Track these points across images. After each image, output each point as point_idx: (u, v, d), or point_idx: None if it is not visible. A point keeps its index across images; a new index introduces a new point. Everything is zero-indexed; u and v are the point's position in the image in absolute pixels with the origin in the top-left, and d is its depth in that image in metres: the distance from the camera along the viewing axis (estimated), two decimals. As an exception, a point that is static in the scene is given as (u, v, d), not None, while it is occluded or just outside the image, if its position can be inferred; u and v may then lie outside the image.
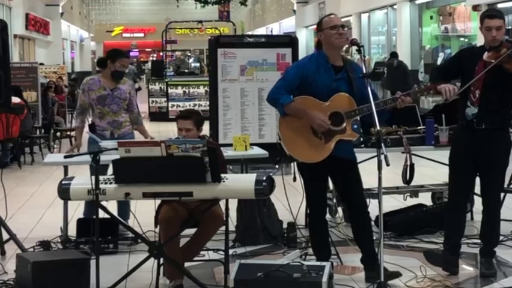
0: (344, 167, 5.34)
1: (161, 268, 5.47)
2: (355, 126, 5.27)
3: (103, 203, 5.21)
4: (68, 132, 14.55)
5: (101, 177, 5.06)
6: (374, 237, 5.50)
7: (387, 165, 4.74)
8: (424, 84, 5.45)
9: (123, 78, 7.09)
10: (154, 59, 40.62)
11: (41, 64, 24.84)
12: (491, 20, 5.51)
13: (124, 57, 7.10)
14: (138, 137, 7.32)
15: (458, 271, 5.69)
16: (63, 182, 5.22)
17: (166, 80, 21.43)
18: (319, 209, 5.57)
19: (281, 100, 5.32)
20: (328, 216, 7.37)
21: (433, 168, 8.52)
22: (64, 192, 5.18)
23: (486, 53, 5.55)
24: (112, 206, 6.37)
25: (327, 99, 5.27)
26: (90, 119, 7.18)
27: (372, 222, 5.95)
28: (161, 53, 29.79)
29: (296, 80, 5.37)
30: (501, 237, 6.11)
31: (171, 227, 5.30)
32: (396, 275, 5.36)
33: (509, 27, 17.37)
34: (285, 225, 6.75)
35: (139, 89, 23.41)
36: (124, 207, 6.78)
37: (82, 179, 5.26)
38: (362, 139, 6.26)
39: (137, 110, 7.26)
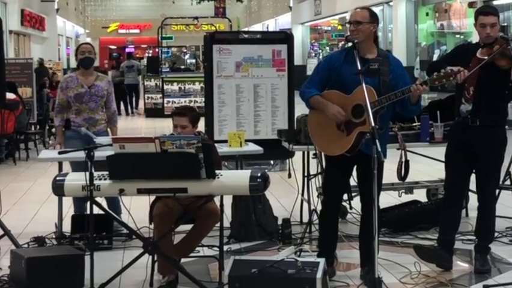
0: (368, 164, 5.17)
1: (156, 264, 5.46)
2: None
3: (97, 199, 5.20)
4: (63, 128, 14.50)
5: (95, 173, 5.05)
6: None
7: (380, 160, 4.72)
8: (444, 71, 5.24)
9: (91, 68, 7.05)
10: (150, 55, 40.56)
11: (41, 59, 24.83)
12: (485, 17, 5.51)
13: (82, 44, 7.15)
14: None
15: (452, 266, 5.69)
16: (57, 178, 5.21)
17: (162, 76, 21.41)
18: (333, 203, 5.57)
19: (305, 94, 5.41)
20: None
21: (428, 165, 8.53)
22: (58, 188, 5.17)
23: (480, 49, 5.55)
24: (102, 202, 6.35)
25: (352, 91, 5.26)
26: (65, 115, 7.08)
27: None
28: (157, 49, 29.76)
29: (325, 72, 5.42)
30: (496, 234, 6.12)
31: (165, 223, 5.29)
32: None
33: (505, 24, 17.42)
34: (280, 222, 6.75)
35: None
36: (113, 202, 6.74)
37: (76, 175, 5.25)
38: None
39: (114, 108, 7.20)
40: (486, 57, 5.42)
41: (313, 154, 6.70)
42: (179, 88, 20.26)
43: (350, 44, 5.36)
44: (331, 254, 5.56)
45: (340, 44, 31.35)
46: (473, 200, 6.43)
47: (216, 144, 6.39)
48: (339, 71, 5.34)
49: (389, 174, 6.82)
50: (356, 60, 5.19)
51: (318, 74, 5.46)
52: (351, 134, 5.25)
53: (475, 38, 9.67)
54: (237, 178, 5.11)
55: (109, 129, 7.16)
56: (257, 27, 43.42)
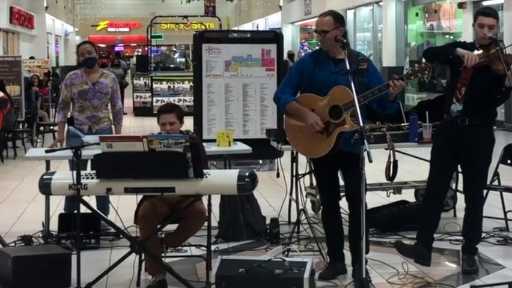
0: (350, 162, 5.22)
1: (143, 263, 5.44)
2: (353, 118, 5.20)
3: (85, 198, 5.17)
4: (52, 127, 14.47)
5: (82, 172, 5.02)
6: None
7: (370, 161, 4.72)
8: (418, 66, 5.23)
9: (96, 66, 7.05)
10: (139, 53, 40.47)
11: (32, 58, 24.77)
12: (485, 17, 5.50)
13: (82, 45, 7.13)
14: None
15: (430, 263, 5.64)
16: (44, 177, 5.18)
17: (151, 75, 21.36)
18: (329, 200, 5.58)
19: (281, 100, 5.41)
20: (311, 212, 7.41)
21: (416, 165, 8.54)
22: (45, 187, 5.13)
23: (476, 51, 5.54)
24: (91, 201, 6.32)
25: (327, 93, 5.26)
26: (69, 113, 7.11)
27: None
28: (146, 48, 29.70)
29: (297, 76, 5.41)
30: (483, 234, 6.13)
31: (149, 224, 5.26)
32: None
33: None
34: (268, 221, 6.74)
35: (126, 84, 23.26)
36: (103, 201, 6.73)
37: (63, 173, 5.22)
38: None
39: (119, 106, 7.19)
40: (482, 60, 5.41)
41: (293, 158, 6.71)
42: (169, 87, 20.23)
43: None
44: (340, 251, 5.58)
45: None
46: (461, 201, 6.43)
47: (204, 144, 6.37)
48: (311, 74, 5.35)
49: (378, 174, 6.84)
50: (328, 61, 5.29)
51: (291, 78, 5.46)
52: (332, 135, 5.25)
53: (464, 39, 9.66)
54: (225, 177, 5.09)
55: (113, 127, 7.15)
56: (247, 26, 43.39)
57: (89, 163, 6.18)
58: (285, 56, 23.44)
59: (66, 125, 7.07)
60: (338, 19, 5.39)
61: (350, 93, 5.13)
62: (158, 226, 5.30)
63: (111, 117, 7.14)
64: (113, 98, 7.06)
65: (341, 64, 5.28)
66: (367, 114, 5.69)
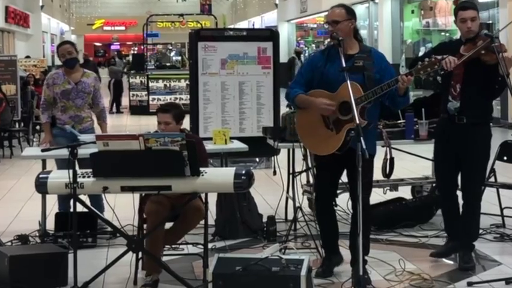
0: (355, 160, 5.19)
1: (140, 262, 5.44)
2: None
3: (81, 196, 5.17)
4: (48, 126, 14.44)
5: (78, 171, 5.02)
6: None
7: (365, 158, 4.72)
8: (428, 60, 5.19)
9: (77, 66, 7.01)
10: (135, 52, 40.45)
11: (27, 57, 24.73)
12: (464, 11, 5.54)
13: (61, 45, 7.07)
14: (98, 132, 7.13)
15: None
16: (40, 176, 5.18)
17: (147, 73, 21.34)
18: (324, 200, 5.56)
19: (290, 94, 5.40)
20: (308, 209, 7.41)
21: (413, 162, 8.55)
22: (42, 186, 5.14)
23: (462, 46, 5.56)
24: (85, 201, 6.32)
25: (337, 89, 5.23)
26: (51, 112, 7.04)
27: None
28: (142, 46, 29.69)
29: (308, 73, 5.41)
30: (480, 231, 6.13)
31: (158, 219, 5.26)
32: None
33: (490, 22, 17.48)
34: (264, 219, 6.74)
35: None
36: (96, 200, 6.72)
37: (59, 172, 5.22)
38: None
39: (102, 105, 7.17)
40: (472, 51, 5.42)
41: (303, 155, 6.68)
42: (165, 85, 20.20)
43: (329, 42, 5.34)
44: (334, 244, 5.59)
45: (326, 42, 31.35)
46: (458, 198, 6.43)
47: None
48: (322, 70, 5.33)
49: (374, 171, 6.83)
50: (339, 57, 5.17)
51: (302, 75, 5.46)
52: (341, 132, 5.23)
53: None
54: (221, 175, 5.10)
55: (96, 126, 7.12)
56: (243, 24, 43.36)
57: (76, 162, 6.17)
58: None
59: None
60: (350, 11, 5.41)
61: (359, 89, 5.12)
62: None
63: (93, 117, 7.12)
64: (95, 97, 7.04)
65: (352, 59, 5.27)
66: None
